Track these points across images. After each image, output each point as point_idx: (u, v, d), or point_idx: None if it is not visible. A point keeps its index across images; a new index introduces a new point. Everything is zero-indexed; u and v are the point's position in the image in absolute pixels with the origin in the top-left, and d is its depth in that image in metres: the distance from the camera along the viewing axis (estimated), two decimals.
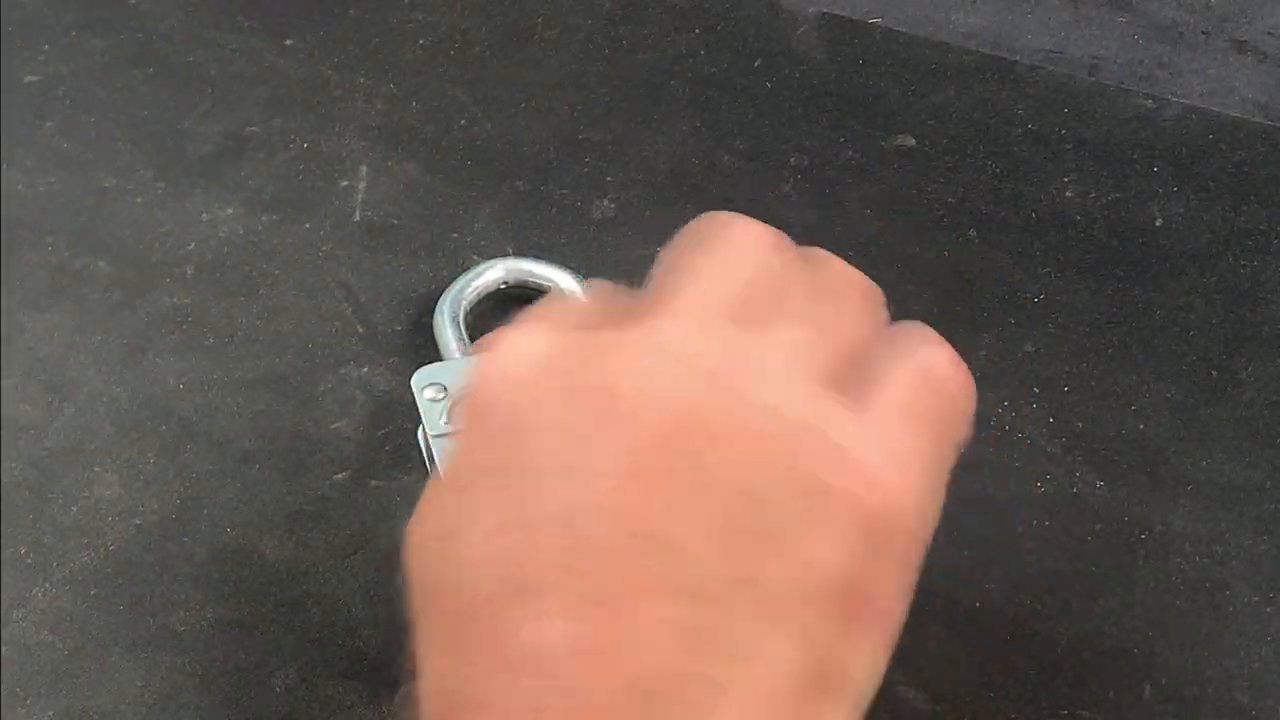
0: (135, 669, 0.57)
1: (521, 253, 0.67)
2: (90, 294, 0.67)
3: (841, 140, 0.72)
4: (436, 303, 0.65)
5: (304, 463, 0.62)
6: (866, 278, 0.44)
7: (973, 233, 0.69)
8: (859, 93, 0.74)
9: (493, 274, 0.65)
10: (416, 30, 0.76)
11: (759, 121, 0.73)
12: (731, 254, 0.44)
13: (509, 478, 0.38)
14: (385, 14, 0.77)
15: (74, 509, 0.61)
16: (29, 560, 0.59)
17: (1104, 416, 0.63)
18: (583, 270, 0.66)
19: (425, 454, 0.61)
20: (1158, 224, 0.69)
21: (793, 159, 0.71)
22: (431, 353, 0.63)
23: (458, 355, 0.62)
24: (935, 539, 0.62)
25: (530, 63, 0.75)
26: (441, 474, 0.40)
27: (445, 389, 0.60)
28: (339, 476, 0.62)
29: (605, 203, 0.70)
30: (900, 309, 0.66)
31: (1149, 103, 0.73)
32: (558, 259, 0.66)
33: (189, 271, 0.68)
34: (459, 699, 0.37)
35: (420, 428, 0.61)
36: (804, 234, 0.69)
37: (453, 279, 0.65)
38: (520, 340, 0.40)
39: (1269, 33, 0.77)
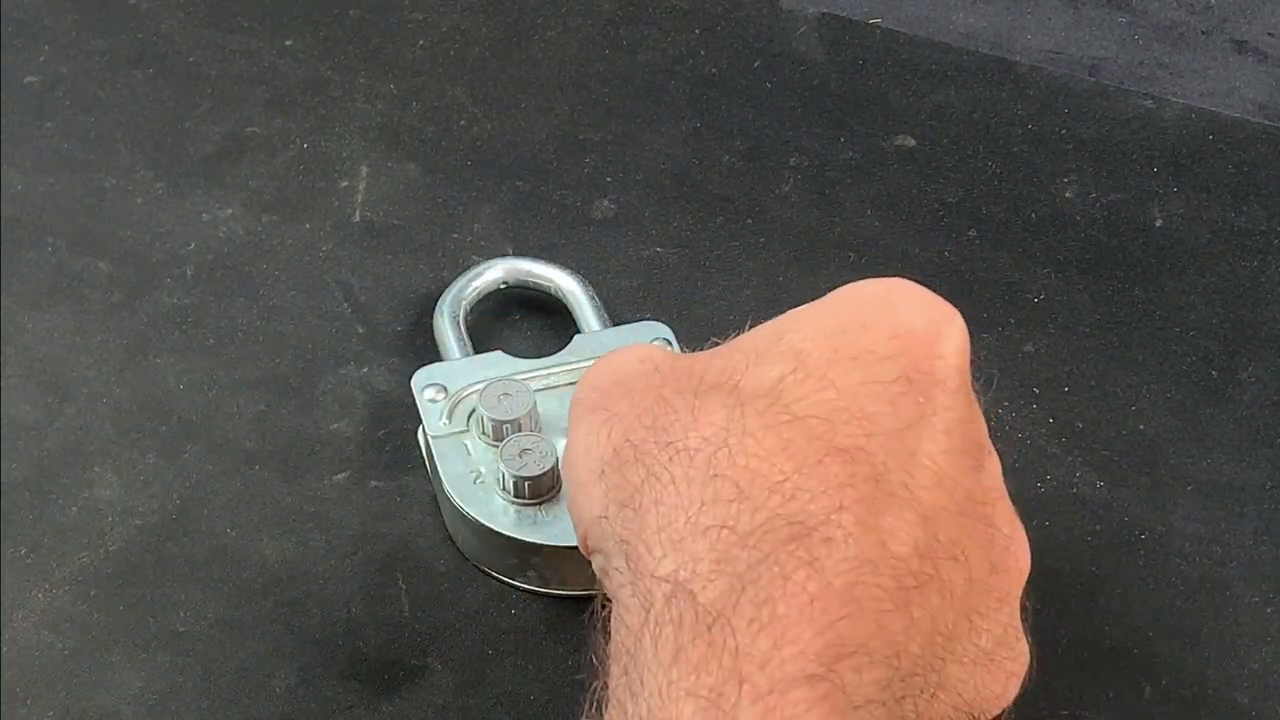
0: (135, 669, 0.57)
1: (521, 253, 0.67)
2: (90, 294, 0.67)
3: (841, 140, 0.72)
4: (436, 303, 0.65)
5: (304, 463, 0.62)
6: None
7: (973, 233, 0.69)
8: (859, 93, 0.74)
9: (493, 274, 0.65)
10: (416, 30, 0.76)
11: (759, 121, 0.73)
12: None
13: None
14: (385, 14, 0.77)
15: (74, 509, 0.61)
16: (29, 560, 0.59)
17: (1104, 416, 0.63)
18: (583, 270, 0.66)
19: (425, 454, 0.61)
20: (1158, 224, 0.69)
21: (793, 159, 0.71)
22: (431, 353, 0.63)
23: (458, 355, 0.62)
24: None
25: (530, 63, 0.75)
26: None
27: (445, 389, 0.60)
28: (339, 476, 0.62)
29: (605, 203, 0.70)
30: None
31: (1149, 103, 0.73)
32: (558, 259, 0.66)
33: (189, 271, 0.68)
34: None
35: (420, 428, 0.61)
36: (804, 234, 0.69)
37: (453, 279, 0.65)
38: None
39: (1269, 33, 0.76)
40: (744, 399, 0.44)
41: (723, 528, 0.41)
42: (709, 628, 0.40)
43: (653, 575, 0.42)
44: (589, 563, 0.58)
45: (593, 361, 0.60)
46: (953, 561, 0.43)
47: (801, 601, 0.40)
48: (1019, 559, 0.46)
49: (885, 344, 0.45)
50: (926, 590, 0.42)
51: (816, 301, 0.47)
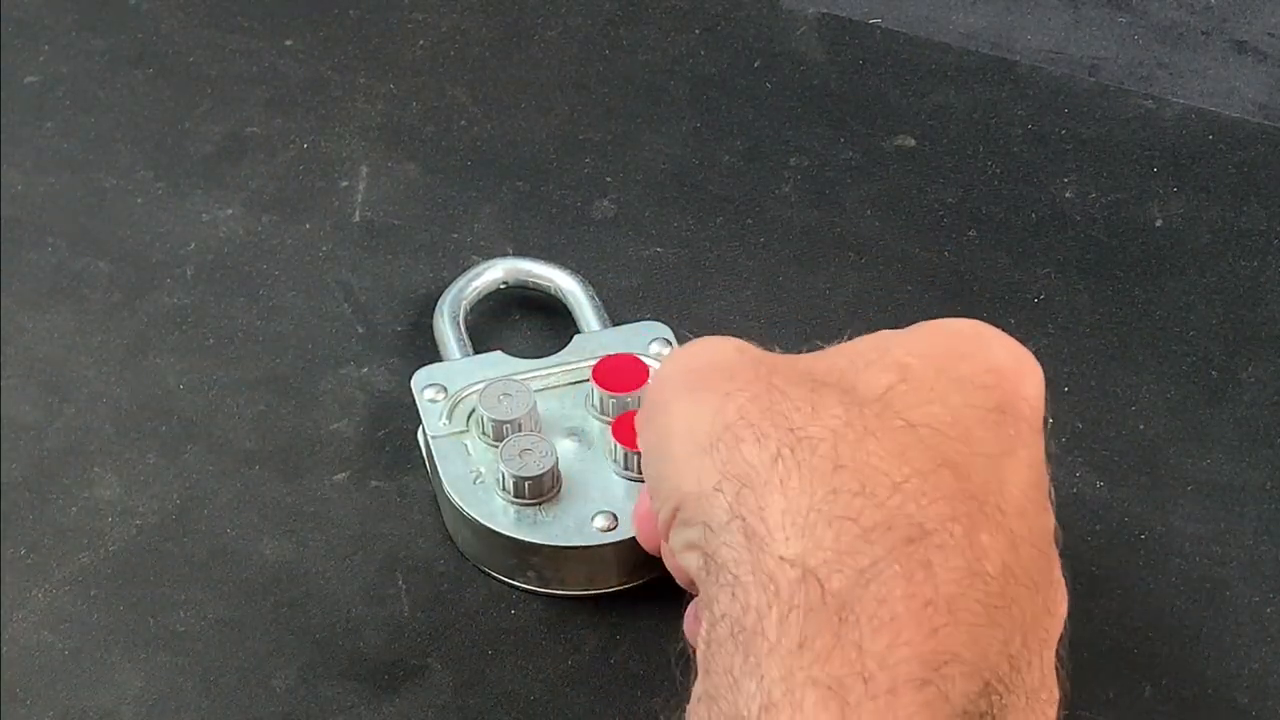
0: (135, 669, 0.57)
1: (521, 253, 0.67)
2: (90, 294, 0.67)
3: (841, 140, 0.72)
4: (436, 303, 0.65)
5: (304, 463, 0.62)
6: None
7: (973, 233, 0.69)
8: (859, 93, 0.74)
9: (493, 274, 0.65)
10: (416, 30, 0.76)
11: (759, 121, 0.73)
12: None
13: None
14: (385, 14, 0.77)
15: (74, 509, 0.61)
16: (29, 560, 0.59)
17: (1104, 416, 0.63)
18: (583, 270, 0.66)
19: (425, 454, 0.61)
20: (1158, 224, 0.69)
21: (793, 159, 0.71)
22: (431, 353, 0.63)
23: (458, 355, 0.62)
24: None
25: (530, 63, 0.75)
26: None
27: (445, 389, 0.60)
28: (339, 476, 0.62)
29: (605, 203, 0.70)
30: (900, 309, 0.66)
31: (1149, 103, 0.73)
32: (558, 259, 0.66)
33: (189, 271, 0.68)
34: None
35: (420, 428, 0.61)
36: (804, 234, 0.69)
37: (453, 279, 0.65)
38: None
39: (1269, 33, 0.77)
40: (860, 400, 0.45)
41: (847, 519, 0.42)
42: (838, 619, 0.41)
43: (778, 557, 0.42)
44: (588, 563, 0.58)
45: (593, 361, 0.60)
46: (1027, 590, 0.44)
47: (918, 604, 0.41)
48: (1061, 607, 0.47)
49: (983, 375, 0.46)
50: (1006, 613, 0.43)
51: (908, 328, 0.48)
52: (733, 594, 0.43)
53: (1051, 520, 0.47)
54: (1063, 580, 0.47)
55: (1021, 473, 0.45)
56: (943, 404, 0.45)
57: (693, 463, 0.46)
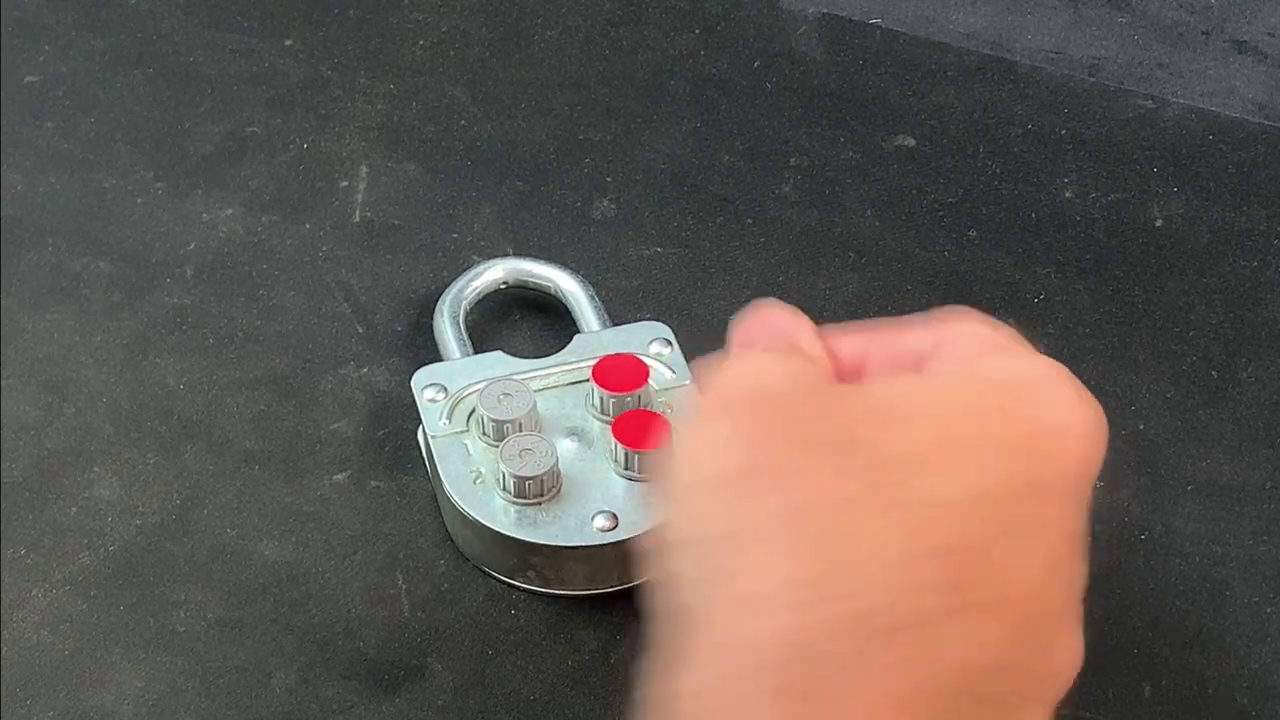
0: (135, 669, 0.57)
1: (521, 253, 0.67)
2: (90, 294, 0.67)
3: (841, 140, 0.72)
4: (436, 303, 0.65)
5: (304, 463, 0.62)
6: None
7: (973, 233, 0.69)
8: (859, 93, 0.74)
9: (493, 274, 0.65)
10: (416, 30, 0.76)
11: (759, 121, 0.73)
12: None
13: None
14: (385, 14, 0.77)
15: (74, 509, 0.61)
16: (29, 560, 0.59)
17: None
18: (583, 270, 0.66)
19: (425, 454, 0.61)
20: (1158, 224, 0.69)
21: (793, 159, 0.71)
22: (431, 353, 0.63)
23: (458, 355, 0.62)
24: None
25: (530, 63, 0.75)
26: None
27: (445, 389, 0.60)
28: (339, 476, 0.62)
29: (605, 203, 0.70)
30: (900, 309, 0.66)
31: (1149, 103, 0.73)
32: (558, 259, 0.66)
33: (189, 271, 0.68)
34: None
35: (420, 428, 0.61)
36: (804, 234, 0.69)
37: (453, 279, 0.65)
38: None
39: (1269, 33, 0.77)
40: (882, 463, 0.43)
41: (833, 600, 0.41)
42: (801, 704, 0.40)
43: (751, 628, 0.41)
44: (588, 563, 0.58)
45: (593, 361, 0.60)
46: (1021, 677, 0.43)
47: (891, 698, 0.40)
48: (1066, 664, 0.45)
49: (1027, 440, 0.44)
50: (996, 706, 0.42)
51: (990, 354, 0.47)
52: (702, 658, 0.42)
53: (1076, 587, 0.45)
54: (1078, 642, 0.46)
55: (1041, 553, 0.43)
56: (974, 475, 0.43)
57: (695, 501, 0.44)
